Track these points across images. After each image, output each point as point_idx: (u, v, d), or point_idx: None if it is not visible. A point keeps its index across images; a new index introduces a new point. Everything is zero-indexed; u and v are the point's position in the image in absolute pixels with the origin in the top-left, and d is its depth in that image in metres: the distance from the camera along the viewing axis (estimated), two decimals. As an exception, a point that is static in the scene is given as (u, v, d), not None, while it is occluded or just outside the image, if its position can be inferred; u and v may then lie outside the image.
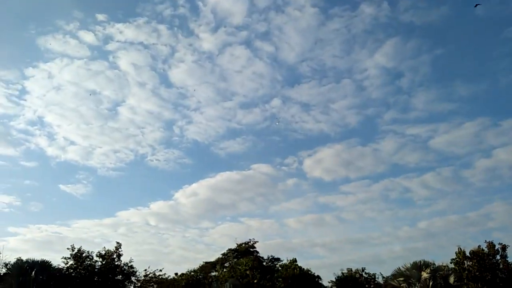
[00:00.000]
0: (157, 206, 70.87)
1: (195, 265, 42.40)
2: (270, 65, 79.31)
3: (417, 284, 23.71)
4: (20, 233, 64.40)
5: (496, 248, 30.23)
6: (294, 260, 36.14)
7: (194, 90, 76.51)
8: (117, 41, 74.15)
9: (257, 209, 72.88)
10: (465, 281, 28.48)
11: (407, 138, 70.29)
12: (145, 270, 34.29)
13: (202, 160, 79.98)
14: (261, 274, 34.84)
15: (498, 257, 30.16)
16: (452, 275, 24.40)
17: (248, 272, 34.86)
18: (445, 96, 73.67)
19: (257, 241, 43.85)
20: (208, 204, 72.69)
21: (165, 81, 79.29)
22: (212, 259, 44.14)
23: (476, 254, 29.54)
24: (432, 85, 74.75)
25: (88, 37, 73.69)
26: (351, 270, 35.91)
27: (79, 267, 31.40)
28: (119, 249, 32.98)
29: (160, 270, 34.91)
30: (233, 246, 43.87)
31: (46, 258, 29.73)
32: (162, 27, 76.31)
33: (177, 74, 79.07)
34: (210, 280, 36.79)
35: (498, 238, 43.21)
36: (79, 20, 75.11)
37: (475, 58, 76.81)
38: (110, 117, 75.50)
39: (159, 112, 77.79)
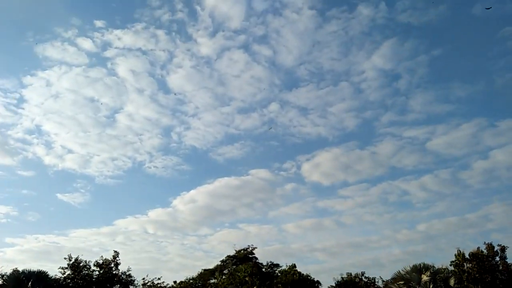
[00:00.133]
0: (155, 213, 70.65)
1: (194, 273, 42.23)
2: (268, 69, 79.58)
3: (417, 287, 23.58)
4: (17, 243, 63.95)
5: (495, 249, 30.22)
6: (294, 266, 35.96)
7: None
8: (116, 48, 74.29)
9: (256, 215, 72.85)
10: (465, 283, 28.39)
11: (404, 140, 70.58)
12: (143, 278, 33.97)
13: (200, 166, 79.95)
14: (260, 281, 34.61)
15: (497, 258, 30.12)
16: (452, 278, 24.31)
17: (247, 279, 34.64)
18: (443, 97, 74.05)
19: (256, 247, 43.71)
20: (206, 210, 72.52)
21: (163, 87, 79.34)
22: (211, 266, 43.93)
23: (476, 256, 29.48)
24: (430, 86, 75.25)
25: (86, 44, 73.78)
26: (351, 275, 35.74)
27: (77, 277, 31.00)
28: (117, 258, 32.62)
29: (159, 279, 34.58)
30: (232, 252, 43.71)
31: (44, 268, 29.50)
32: (160, 33, 76.46)
33: (175, 80, 79.09)
34: (209, 287, 36.50)
35: (497, 240, 43.35)
36: (77, 27, 75.33)
37: (472, 58, 77.34)
38: (108, 125, 75.47)
39: (157, 119, 77.80)
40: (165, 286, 35.09)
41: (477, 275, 28.51)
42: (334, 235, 70.54)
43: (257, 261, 42.29)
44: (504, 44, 71.19)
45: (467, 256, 29.78)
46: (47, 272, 29.26)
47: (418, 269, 24.19)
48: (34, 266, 28.75)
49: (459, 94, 72.24)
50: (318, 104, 77.92)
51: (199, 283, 39.13)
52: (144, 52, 75.99)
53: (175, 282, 37.35)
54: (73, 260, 31.33)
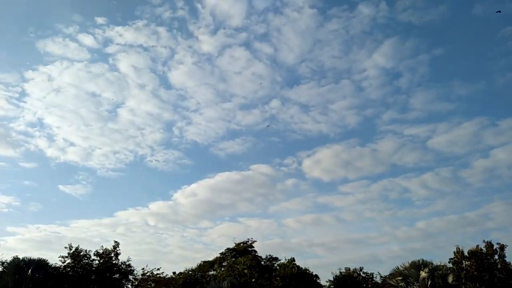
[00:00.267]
0: (156, 206, 70.96)
1: (193, 264, 42.34)
2: (269, 66, 79.50)
3: (416, 284, 23.59)
4: (19, 232, 64.44)
5: (494, 248, 30.24)
6: (292, 260, 36.05)
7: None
8: (117, 44, 74.44)
9: (256, 209, 73.05)
10: (463, 281, 28.46)
11: (405, 138, 70.42)
12: (143, 269, 34.17)
13: (202, 161, 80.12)
14: (259, 273, 34.75)
15: (496, 257, 30.17)
16: (450, 275, 24.28)
17: (246, 271, 34.78)
18: (444, 96, 73.91)
19: (256, 241, 43.87)
20: (207, 204, 72.78)
21: (165, 83, 79.27)
22: (210, 258, 44.13)
23: (474, 254, 29.53)
24: (431, 85, 75.01)
25: (87, 40, 73.85)
26: (349, 270, 35.83)
27: (77, 266, 31.19)
28: (117, 248, 32.80)
29: (158, 269, 34.78)
30: (232, 245, 43.86)
31: (44, 257, 29.57)
32: (161, 30, 76.42)
33: (176, 76, 79.03)
34: (208, 279, 36.66)
35: (496, 238, 43.29)
36: (78, 23, 75.37)
37: (473, 58, 77.19)
38: (110, 119, 75.64)
39: (158, 114, 77.96)
40: (164, 277, 35.29)
41: (476, 273, 28.59)
42: (333, 230, 70.81)
43: (256, 254, 42.43)
44: (504, 44, 71.16)
45: (466, 254, 29.83)
46: (47, 260, 29.48)
47: (417, 266, 24.17)
48: (35, 255, 28.90)
49: (460, 92, 72.20)
50: (319, 101, 78.04)
51: (198, 274, 39.29)
52: (146, 49, 76.26)
53: (174, 273, 37.53)
54: (73, 249, 31.51)
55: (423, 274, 23.58)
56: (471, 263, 28.97)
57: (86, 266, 31.42)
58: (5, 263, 28.32)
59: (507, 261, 30.11)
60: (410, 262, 24.70)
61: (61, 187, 71.97)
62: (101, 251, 32.31)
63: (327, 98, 77.84)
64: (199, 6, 78.39)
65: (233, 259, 40.71)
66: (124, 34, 74.58)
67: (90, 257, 31.98)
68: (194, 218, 73.72)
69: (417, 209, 67.65)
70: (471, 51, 76.72)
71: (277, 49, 78.57)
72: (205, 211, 73.83)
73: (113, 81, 76.39)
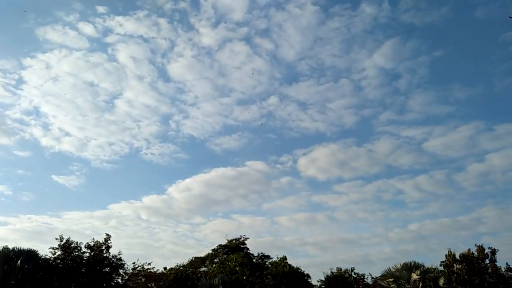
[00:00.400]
0: (150, 200, 70.67)
1: (185, 260, 42.20)
2: (269, 62, 79.18)
3: (407, 285, 23.64)
4: (10, 222, 63.88)
5: (485, 252, 30.35)
6: (284, 258, 35.97)
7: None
8: (117, 34, 73.75)
9: (250, 206, 72.94)
10: (454, 284, 28.54)
11: (402, 140, 70.60)
12: (134, 263, 33.94)
13: (197, 155, 79.90)
14: (250, 271, 34.66)
15: (487, 261, 30.29)
16: (441, 278, 24.38)
17: (237, 268, 34.67)
18: (442, 98, 74.07)
19: (248, 238, 43.74)
20: (201, 199, 72.65)
21: (164, 75, 78.74)
22: (202, 254, 43.97)
23: (466, 257, 29.62)
24: (430, 87, 75.14)
25: (87, 29, 73.09)
26: (341, 270, 35.85)
27: (67, 258, 30.91)
28: (108, 241, 32.51)
29: (149, 264, 34.58)
30: (224, 242, 43.72)
31: (35, 248, 29.33)
32: (162, 21, 75.84)
33: (175, 69, 78.53)
34: (199, 275, 36.55)
35: (488, 243, 43.46)
36: (79, 11, 74.58)
37: (473, 61, 77.19)
38: (106, 110, 75.14)
39: (156, 106, 77.45)
40: (155, 272, 35.10)
41: (466, 276, 28.66)
42: (326, 230, 70.93)
43: (248, 251, 42.32)
44: (506, 49, 71.32)
45: (457, 257, 29.92)
46: (37, 251, 29.26)
47: (409, 267, 24.23)
48: (26, 246, 28.62)
49: (458, 96, 72.37)
50: (318, 100, 77.95)
51: (189, 270, 39.15)
52: (146, 40, 75.70)
53: (165, 268, 37.34)
54: (64, 241, 31.22)
55: (414, 276, 23.64)
56: (462, 266, 29.05)
57: (77, 259, 31.13)
58: (-6, 253, 28.02)
59: (497, 265, 30.27)
60: (401, 264, 24.76)
61: (54, 177, 71.55)
62: (92, 244, 32.05)
63: (325, 96, 77.97)
64: (201, -2, 77.80)
65: (225, 256, 40.57)
66: (125, 24, 74.11)
67: (81, 249, 31.70)
68: (187, 213, 73.69)
69: (410, 211, 67.99)
70: (471, 54, 76.89)
71: (277, 45, 78.48)
72: (198, 206, 73.81)
73: (111, 71, 75.98)
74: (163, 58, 78.16)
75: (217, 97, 79.15)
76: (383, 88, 76.20)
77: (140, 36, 75.00)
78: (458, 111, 72.81)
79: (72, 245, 31.38)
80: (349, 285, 34.81)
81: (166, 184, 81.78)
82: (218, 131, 78.31)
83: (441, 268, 29.21)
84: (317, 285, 36.51)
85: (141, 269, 33.83)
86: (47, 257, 30.44)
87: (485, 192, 68.09)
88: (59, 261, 30.74)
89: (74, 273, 30.47)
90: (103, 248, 32.13)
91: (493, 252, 30.34)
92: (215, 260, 41.45)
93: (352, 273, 35.79)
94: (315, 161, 73.52)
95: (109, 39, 74.32)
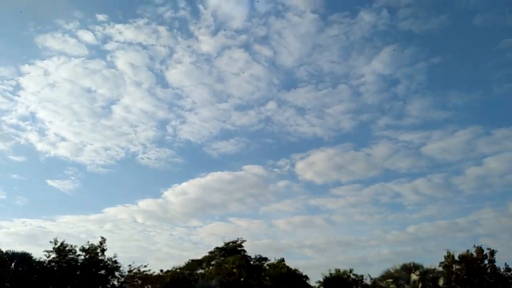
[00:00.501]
0: (145, 203, 69.95)
1: (181, 263, 41.78)
2: (267, 68, 79.09)
3: (406, 286, 23.52)
4: (4, 226, 62.93)
5: (484, 253, 30.36)
6: (282, 260, 35.74)
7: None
8: (116, 41, 73.27)
9: (247, 210, 72.36)
10: (453, 284, 28.42)
11: (400, 144, 70.43)
12: (130, 265, 33.58)
13: (194, 160, 79.28)
14: (247, 273, 34.36)
15: (486, 261, 30.29)
16: (441, 278, 24.28)
17: (234, 270, 34.37)
18: (440, 104, 73.99)
19: (245, 240, 43.39)
20: (197, 203, 72.02)
21: (162, 81, 78.69)
22: (199, 257, 43.55)
23: (465, 258, 29.60)
24: (428, 92, 74.93)
25: (87, 36, 72.81)
26: (339, 271, 35.62)
27: (61, 261, 30.53)
28: (103, 244, 32.18)
29: (145, 266, 34.23)
30: (221, 244, 43.38)
31: (29, 252, 29.00)
32: (161, 29, 75.73)
33: (174, 75, 78.50)
34: (196, 277, 36.16)
35: (485, 244, 43.20)
36: (79, 19, 74.21)
37: (471, 68, 77.24)
38: (103, 115, 74.61)
39: (153, 112, 77.05)
40: (151, 274, 34.74)
41: (465, 277, 28.59)
42: (324, 232, 70.52)
43: (245, 254, 42.03)
44: (503, 56, 71.41)
45: (456, 258, 29.89)
46: (31, 254, 28.96)
47: (408, 268, 24.13)
48: (20, 250, 28.30)
49: (456, 101, 72.43)
50: (316, 105, 77.77)
51: (186, 273, 38.75)
52: (145, 47, 75.53)
53: (161, 270, 36.96)
54: (58, 244, 30.84)
55: (414, 277, 23.54)
56: (462, 267, 28.99)
57: (71, 261, 30.76)
58: (-12, 256, 27.59)
59: (496, 266, 30.26)
60: (401, 265, 24.64)
61: (49, 181, 70.77)
62: (87, 247, 31.67)
63: (323, 102, 77.81)
64: (201, 7, 77.97)
65: (222, 258, 40.24)
66: (124, 32, 74.04)
67: (76, 252, 31.33)
68: (183, 217, 72.98)
69: (408, 214, 67.76)
70: (469, 61, 77.00)
71: (276, 52, 78.46)
72: (195, 210, 73.18)
73: (109, 77, 75.52)
74: (161, 64, 78.00)
75: (214, 103, 78.97)
76: (381, 93, 76.26)
77: (139, 44, 74.98)
78: (456, 116, 72.97)
79: (66, 248, 31.02)
80: (347, 286, 34.57)
81: (162, 188, 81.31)
82: (215, 136, 78.05)
83: (440, 269, 29.13)
84: (315, 287, 36.25)
85: (137, 272, 33.50)
86: (42, 260, 30.09)
87: (482, 195, 68.06)
88: (53, 264, 30.36)
89: (68, 275, 30.09)
90: (98, 251, 31.78)
91: (492, 253, 30.38)
92: (212, 263, 41.10)
93: (351, 274, 35.58)
94: (313, 165, 73.25)
95: (108, 46, 74.13)
